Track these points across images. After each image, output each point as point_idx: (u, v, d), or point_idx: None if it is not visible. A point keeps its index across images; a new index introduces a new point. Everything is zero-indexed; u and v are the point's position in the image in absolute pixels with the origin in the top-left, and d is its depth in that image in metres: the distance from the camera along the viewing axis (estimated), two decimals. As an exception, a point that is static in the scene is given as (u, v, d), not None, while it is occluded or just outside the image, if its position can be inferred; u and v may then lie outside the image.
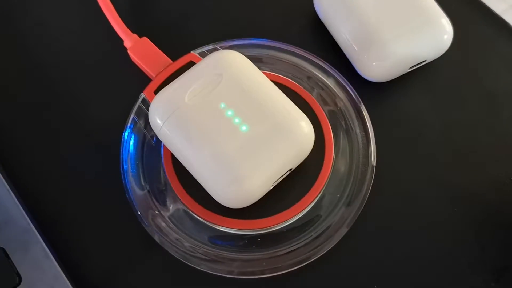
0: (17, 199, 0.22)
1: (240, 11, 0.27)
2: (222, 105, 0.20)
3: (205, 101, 0.20)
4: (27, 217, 0.21)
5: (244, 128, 0.19)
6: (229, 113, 0.19)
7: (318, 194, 0.21)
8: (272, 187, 0.20)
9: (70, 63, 0.26)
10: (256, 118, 0.19)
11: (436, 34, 0.23)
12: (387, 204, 0.22)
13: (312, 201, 0.21)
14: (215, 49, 0.23)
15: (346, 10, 0.24)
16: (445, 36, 0.23)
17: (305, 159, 0.21)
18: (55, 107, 0.24)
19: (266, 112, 0.19)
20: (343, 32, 0.24)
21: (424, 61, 0.24)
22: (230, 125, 0.19)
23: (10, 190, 0.22)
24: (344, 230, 0.21)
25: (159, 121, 0.20)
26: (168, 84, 0.22)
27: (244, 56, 0.21)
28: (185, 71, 0.22)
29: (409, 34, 0.23)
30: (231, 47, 0.24)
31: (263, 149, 0.19)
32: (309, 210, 0.21)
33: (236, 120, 0.19)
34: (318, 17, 0.25)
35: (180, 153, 0.20)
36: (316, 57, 0.24)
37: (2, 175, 0.22)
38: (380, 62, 0.23)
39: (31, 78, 0.25)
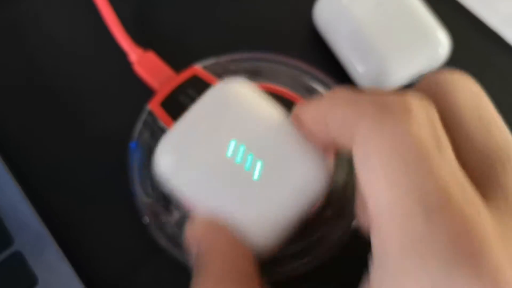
0: (31, 206, 0.23)
1: (239, 22, 0.28)
2: (232, 143, 0.18)
3: (214, 144, 0.19)
4: (40, 222, 0.23)
5: (256, 172, 0.18)
6: (241, 152, 0.18)
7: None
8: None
9: (76, 75, 0.27)
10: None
11: (433, 47, 0.24)
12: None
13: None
14: (217, 63, 0.25)
15: (344, 23, 0.25)
16: (441, 49, 0.24)
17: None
18: (63, 117, 0.26)
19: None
20: (341, 44, 0.25)
21: (421, 74, 0.25)
22: (241, 170, 0.18)
23: (24, 197, 0.23)
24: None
25: (167, 176, 0.19)
26: (172, 96, 0.23)
27: (248, 86, 0.20)
28: (188, 85, 0.24)
29: (406, 47, 0.24)
30: (232, 61, 0.25)
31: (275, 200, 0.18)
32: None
33: (248, 161, 0.18)
34: (316, 28, 0.27)
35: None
36: (315, 70, 0.25)
37: (16, 183, 0.24)
38: (377, 75, 0.24)
39: (39, 88, 0.26)
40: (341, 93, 0.16)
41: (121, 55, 0.26)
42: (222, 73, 0.25)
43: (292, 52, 0.26)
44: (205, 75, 0.24)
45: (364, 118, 0.14)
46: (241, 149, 0.18)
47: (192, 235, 0.18)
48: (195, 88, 0.24)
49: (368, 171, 0.14)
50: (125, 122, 0.25)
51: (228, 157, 0.18)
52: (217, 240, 0.17)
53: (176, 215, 0.22)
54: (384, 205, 0.13)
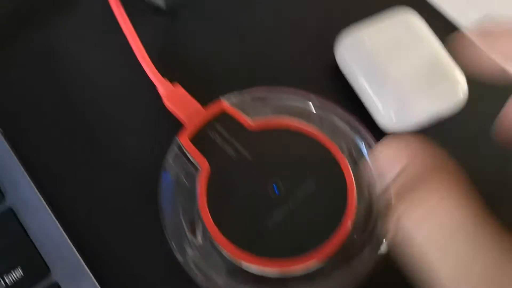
0: (67, 235, 0.24)
1: (262, 57, 0.29)
2: None
3: None
4: (77, 253, 0.23)
5: None
6: None
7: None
8: None
9: (107, 107, 0.28)
10: None
11: (452, 88, 0.25)
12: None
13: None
14: (244, 97, 0.26)
15: (366, 62, 0.26)
16: (460, 90, 0.25)
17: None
18: (95, 148, 0.27)
19: None
20: (362, 83, 0.26)
21: (441, 116, 0.26)
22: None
23: (60, 227, 0.24)
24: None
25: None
26: (200, 130, 0.25)
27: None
28: (217, 121, 0.25)
29: (427, 88, 0.25)
30: (259, 97, 0.26)
31: None
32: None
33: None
34: (338, 65, 0.28)
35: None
36: (337, 107, 0.25)
37: (51, 213, 0.24)
38: (398, 115, 0.25)
39: (73, 119, 0.27)
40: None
41: (151, 88, 0.27)
42: (248, 107, 0.26)
43: (314, 87, 0.26)
44: (232, 109, 0.25)
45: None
46: None
47: (395, 153, 0.17)
48: (222, 122, 0.25)
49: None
50: (155, 153, 0.26)
51: None
52: (429, 153, 0.16)
53: (201, 241, 0.23)
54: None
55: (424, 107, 0.25)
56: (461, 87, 0.25)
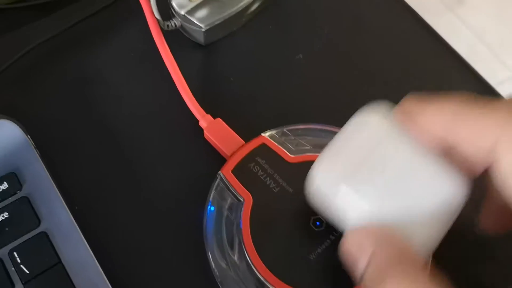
0: (99, 265, 0.23)
1: (301, 95, 0.30)
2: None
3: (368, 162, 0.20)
4: (108, 283, 0.23)
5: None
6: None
7: None
8: None
9: (147, 138, 0.28)
10: None
11: None
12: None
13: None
14: (284, 133, 0.27)
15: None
16: None
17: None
18: (135, 182, 0.27)
19: None
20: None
21: None
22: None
23: (93, 256, 0.24)
24: None
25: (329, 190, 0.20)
26: (242, 163, 0.25)
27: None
28: (257, 153, 0.25)
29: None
30: (295, 130, 0.27)
31: None
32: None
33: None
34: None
35: None
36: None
37: (86, 241, 0.24)
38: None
39: (114, 154, 0.28)
40: (468, 101, 0.17)
41: (192, 121, 0.28)
42: (287, 142, 0.26)
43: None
44: (273, 144, 0.26)
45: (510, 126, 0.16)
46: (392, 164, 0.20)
47: (358, 246, 0.18)
48: (264, 156, 0.26)
49: None
50: (196, 184, 0.26)
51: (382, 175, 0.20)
52: (392, 248, 0.17)
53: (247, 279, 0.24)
54: None
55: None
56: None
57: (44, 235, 0.24)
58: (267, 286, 0.23)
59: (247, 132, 0.27)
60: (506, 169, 0.16)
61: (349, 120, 0.22)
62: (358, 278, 0.17)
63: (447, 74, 0.31)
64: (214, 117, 0.28)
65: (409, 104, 0.19)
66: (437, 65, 0.31)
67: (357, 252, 0.17)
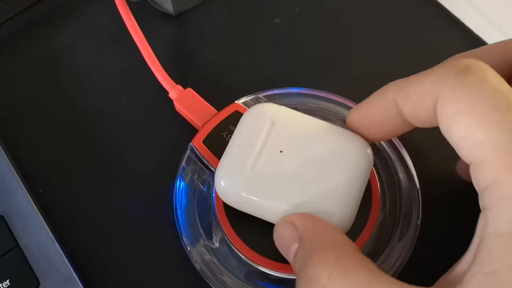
0: (60, 248, 0.22)
1: (279, 62, 0.28)
2: (281, 152, 0.20)
3: (267, 156, 0.20)
4: (69, 265, 0.21)
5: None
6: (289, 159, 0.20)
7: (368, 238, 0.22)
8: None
9: (117, 113, 0.26)
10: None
11: None
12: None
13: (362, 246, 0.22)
14: (257, 98, 0.25)
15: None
16: None
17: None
18: (102, 157, 0.25)
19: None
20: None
21: None
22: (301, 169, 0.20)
23: (54, 239, 0.22)
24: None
25: (231, 196, 0.20)
26: (214, 133, 0.23)
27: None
28: (230, 121, 0.24)
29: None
30: (271, 96, 0.25)
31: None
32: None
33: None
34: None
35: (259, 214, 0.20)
36: (352, 102, 0.25)
37: (46, 223, 0.23)
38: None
39: (80, 127, 0.26)
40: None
41: (164, 94, 0.26)
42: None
43: (328, 87, 0.25)
44: (245, 109, 0.24)
45: (446, 81, 0.16)
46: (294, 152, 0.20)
47: (288, 234, 0.18)
48: (236, 123, 0.24)
49: (462, 120, 0.16)
50: (167, 158, 0.25)
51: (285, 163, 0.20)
52: (318, 229, 0.18)
53: (218, 244, 0.22)
54: (486, 142, 0.15)
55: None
56: None
57: (1, 219, 0.22)
58: (243, 259, 0.21)
59: (222, 102, 0.25)
60: (446, 121, 0.16)
61: (241, 120, 0.22)
62: (292, 263, 0.18)
63: (436, 31, 0.29)
64: (186, 88, 0.26)
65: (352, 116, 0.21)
66: (425, 22, 0.29)
67: (287, 241, 0.18)
